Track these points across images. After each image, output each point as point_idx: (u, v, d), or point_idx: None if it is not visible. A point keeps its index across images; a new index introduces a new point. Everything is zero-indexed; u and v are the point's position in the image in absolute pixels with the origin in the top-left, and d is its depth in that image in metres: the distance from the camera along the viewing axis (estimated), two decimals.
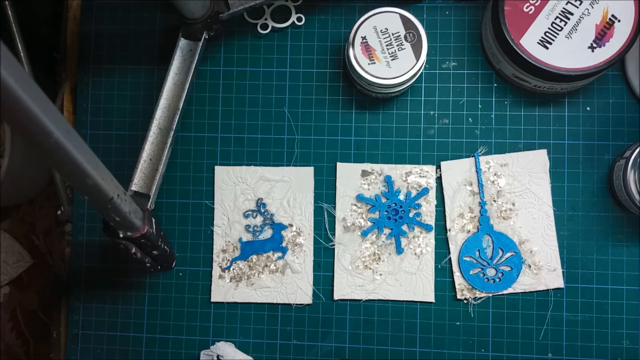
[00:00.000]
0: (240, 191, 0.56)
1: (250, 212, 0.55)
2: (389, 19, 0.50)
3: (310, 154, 0.56)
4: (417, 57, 0.50)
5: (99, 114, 0.58)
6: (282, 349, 0.55)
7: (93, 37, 0.59)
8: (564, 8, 0.49)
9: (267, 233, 0.55)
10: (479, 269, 0.53)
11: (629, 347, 0.52)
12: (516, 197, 0.53)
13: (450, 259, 0.53)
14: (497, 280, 0.53)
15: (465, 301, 0.53)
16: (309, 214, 0.55)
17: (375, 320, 0.54)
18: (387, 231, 0.54)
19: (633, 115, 0.54)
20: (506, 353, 0.53)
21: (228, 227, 0.55)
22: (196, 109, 0.57)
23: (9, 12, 0.57)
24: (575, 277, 0.53)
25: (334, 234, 0.54)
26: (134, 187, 0.49)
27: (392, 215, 0.54)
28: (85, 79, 0.58)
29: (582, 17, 0.49)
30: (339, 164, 0.55)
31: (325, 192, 0.55)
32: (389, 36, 0.50)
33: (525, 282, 0.53)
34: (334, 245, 0.54)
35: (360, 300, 0.54)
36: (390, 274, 0.54)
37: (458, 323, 0.53)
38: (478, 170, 0.54)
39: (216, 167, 0.56)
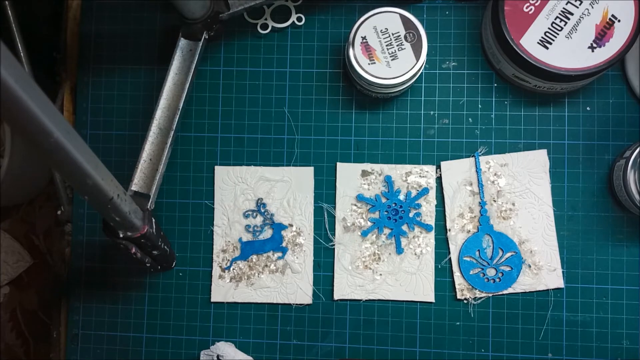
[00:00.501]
0: (240, 191, 0.56)
1: (250, 212, 0.55)
2: (389, 19, 0.50)
3: (310, 154, 0.56)
4: (417, 57, 0.50)
5: (99, 114, 0.58)
6: (282, 349, 0.55)
7: (93, 37, 0.59)
8: (564, 8, 0.49)
9: (267, 233, 0.55)
10: (479, 269, 0.53)
11: (629, 347, 0.52)
12: (516, 197, 0.53)
13: (450, 259, 0.53)
14: (497, 280, 0.53)
15: (465, 301, 0.53)
16: (309, 214, 0.55)
17: (375, 320, 0.54)
18: (387, 231, 0.54)
19: (633, 115, 0.54)
20: (506, 353, 0.53)
21: (228, 227, 0.55)
22: (196, 109, 0.57)
23: (9, 12, 0.57)
24: (575, 277, 0.53)
25: (334, 234, 0.54)
26: (134, 187, 0.49)
27: (392, 215, 0.54)
28: (85, 79, 0.58)
29: (582, 17, 0.49)
30: (339, 164, 0.55)
31: (325, 192, 0.55)
32: (389, 36, 0.50)
33: (525, 282, 0.53)
34: (334, 245, 0.54)
35: (360, 300, 0.54)
36: (390, 274, 0.54)
37: (458, 323, 0.53)
38: (478, 170, 0.54)
39: (216, 167, 0.56)
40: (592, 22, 0.49)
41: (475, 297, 0.53)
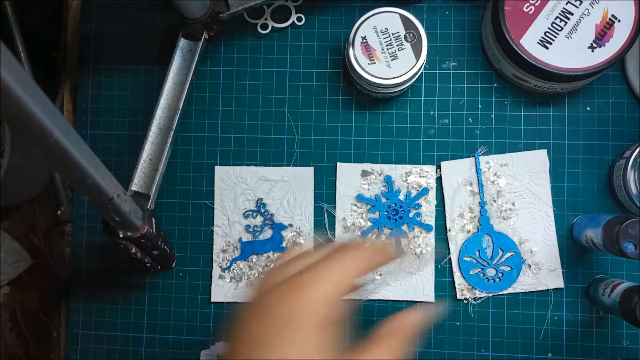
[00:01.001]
0: (240, 191, 0.56)
1: (250, 212, 0.55)
2: (389, 19, 0.50)
3: (310, 154, 0.56)
4: (417, 57, 0.50)
5: (99, 114, 0.58)
6: None
7: (93, 37, 0.59)
8: (564, 8, 0.49)
9: (267, 233, 0.55)
10: (479, 269, 0.53)
11: (629, 347, 0.52)
12: (516, 197, 0.53)
13: (450, 259, 0.53)
14: (497, 280, 0.53)
15: (465, 301, 0.53)
16: (309, 214, 0.55)
17: (375, 321, 0.54)
18: (387, 231, 0.54)
19: (633, 115, 0.54)
20: (506, 353, 0.53)
21: (228, 227, 0.55)
22: (196, 109, 0.57)
23: (9, 12, 0.57)
24: (575, 277, 0.53)
25: (334, 234, 0.54)
26: (134, 187, 0.49)
27: (392, 215, 0.54)
28: (85, 79, 0.58)
29: (582, 17, 0.49)
30: (339, 164, 0.55)
31: (325, 192, 0.55)
32: (389, 36, 0.50)
33: (525, 282, 0.53)
34: None
35: (360, 300, 0.54)
36: (390, 274, 0.53)
37: (458, 323, 0.53)
38: (478, 170, 0.54)
39: (216, 167, 0.56)
40: (592, 22, 0.49)
41: (475, 297, 0.53)
